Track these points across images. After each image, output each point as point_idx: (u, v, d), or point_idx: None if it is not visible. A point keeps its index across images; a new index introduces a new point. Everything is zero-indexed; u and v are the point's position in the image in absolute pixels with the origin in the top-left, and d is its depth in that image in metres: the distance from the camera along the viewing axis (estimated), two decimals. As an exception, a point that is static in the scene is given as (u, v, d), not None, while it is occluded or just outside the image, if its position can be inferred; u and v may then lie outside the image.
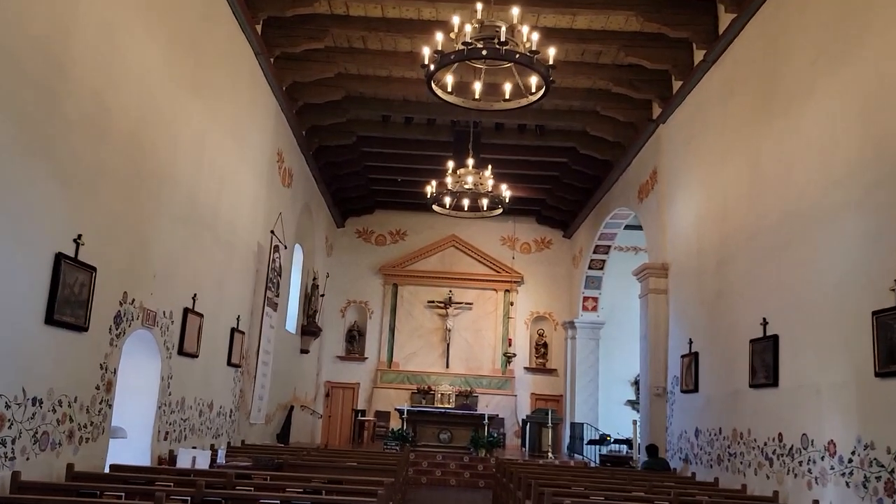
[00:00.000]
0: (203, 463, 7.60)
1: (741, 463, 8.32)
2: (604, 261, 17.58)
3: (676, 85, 11.03)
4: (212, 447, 9.14)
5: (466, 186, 9.61)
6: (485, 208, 10.65)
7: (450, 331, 19.08)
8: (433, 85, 6.09)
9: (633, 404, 18.25)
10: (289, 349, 14.50)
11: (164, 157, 7.34)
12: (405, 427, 14.60)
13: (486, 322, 19.33)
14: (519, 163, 15.48)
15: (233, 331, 10.12)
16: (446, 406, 17.18)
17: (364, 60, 11.52)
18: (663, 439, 11.06)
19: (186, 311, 8.19)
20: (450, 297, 19.20)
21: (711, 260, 9.67)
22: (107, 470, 6.35)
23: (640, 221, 13.14)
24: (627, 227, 16.94)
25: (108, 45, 6.00)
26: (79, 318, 5.77)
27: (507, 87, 6.63)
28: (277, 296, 12.61)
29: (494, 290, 19.52)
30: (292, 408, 14.39)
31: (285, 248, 12.96)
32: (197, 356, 8.62)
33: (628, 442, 16.17)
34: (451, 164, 9.93)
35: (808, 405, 6.91)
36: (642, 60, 10.69)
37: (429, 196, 10.11)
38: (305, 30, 10.47)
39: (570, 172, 15.95)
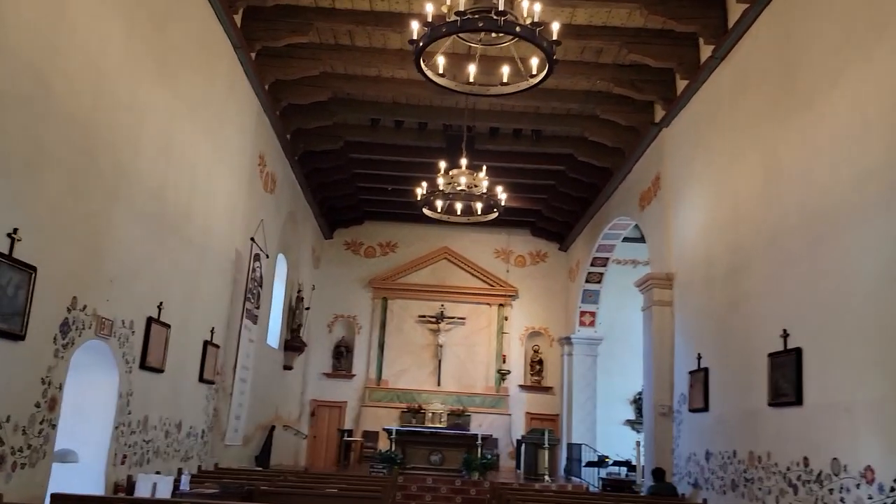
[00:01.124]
0: (165, 490, 6.82)
1: (759, 489, 7.58)
2: (602, 274, 16.89)
3: (681, 85, 10.44)
4: (179, 472, 8.33)
5: (459, 188, 8.93)
6: (479, 213, 9.96)
7: (441, 347, 18.30)
8: (422, 65, 5.41)
9: (633, 424, 17.51)
10: (270, 365, 13.69)
11: (124, 148, 6.62)
12: (394, 448, 13.78)
13: (479, 338, 18.57)
14: (514, 171, 14.84)
15: (206, 344, 9.35)
16: (437, 426, 16.36)
17: (351, 58, 10.88)
18: (669, 462, 10.30)
19: (150, 320, 7.43)
20: (441, 312, 18.45)
21: (722, 268, 9.00)
22: (46, 501, 5.55)
23: (643, 230, 12.50)
24: (626, 239, 16.32)
25: (52, 15, 5.31)
26: (13, 325, 5.01)
27: (505, 70, 5.96)
28: (258, 308, 11.85)
29: (488, 304, 18.79)
30: (273, 428, 13.55)
31: (267, 257, 12.22)
32: (162, 371, 7.84)
33: (628, 464, 15.44)
34: (442, 165, 9.26)
35: (838, 426, 6.20)
36: (646, 58, 10.09)
37: (419, 198, 9.41)
38: (288, 23, 9.83)
39: (567, 181, 15.32)
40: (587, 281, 17.00)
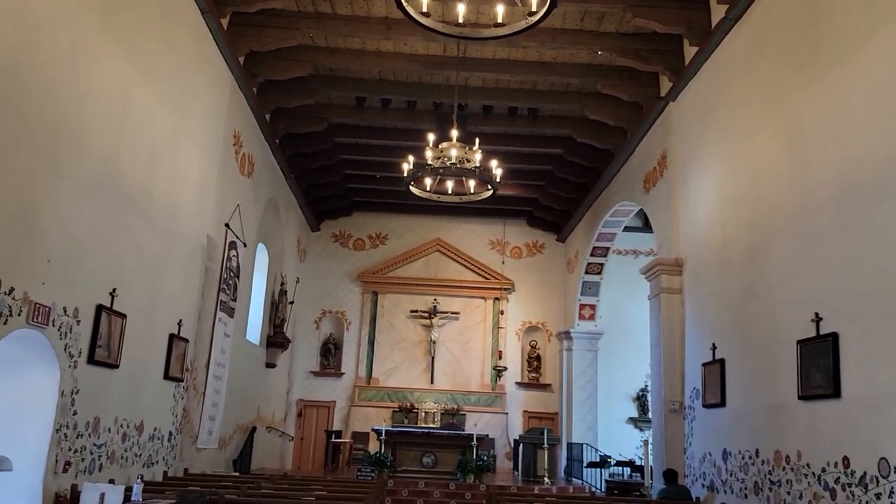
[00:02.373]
0: (114, 501, 5.96)
1: (788, 493, 6.76)
2: (602, 265, 16.07)
3: (690, 52, 9.63)
4: (141, 478, 7.46)
5: (450, 162, 8.07)
6: (472, 191, 9.09)
7: (434, 343, 17.45)
8: (404, 3, 4.56)
9: (636, 422, 16.71)
10: (251, 362, 12.82)
11: (63, 105, 5.75)
12: (383, 450, 12.92)
13: (473, 333, 17.72)
14: (510, 156, 13.96)
15: (172, 337, 8.48)
16: (431, 426, 15.53)
17: (332, 27, 10.01)
18: (681, 462, 9.49)
19: (100, 308, 6.55)
20: (434, 307, 17.59)
21: (739, 250, 8.19)
22: (-40, 517, 4.69)
23: (648, 215, 11.68)
24: (627, 228, 15.53)
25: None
26: None
27: (500, 10, 5.11)
28: (234, 300, 10.97)
29: (483, 298, 17.94)
30: (254, 429, 12.68)
31: (244, 245, 11.34)
32: (117, 366, 6.97)
33: (631, 464, 14.62)
34: (431, 138, 8.38)
35: (885, 421, 5.39)
36: (652, 23, 9.27)
37: (405, 174, 8.54)
38: (261, -15, 8.98)
39: (565, 166, 14.50)
40: (587, 272, 16.18)
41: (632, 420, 16.74)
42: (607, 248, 15.67)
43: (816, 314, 6.39)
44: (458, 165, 8.04)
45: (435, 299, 17.67)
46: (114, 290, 6.81)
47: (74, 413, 6.24)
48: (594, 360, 16.61)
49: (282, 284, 14.47)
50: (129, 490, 6.22)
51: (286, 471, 12.43)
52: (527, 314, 18.03)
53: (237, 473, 10.49)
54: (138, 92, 7.13)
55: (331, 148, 13.93)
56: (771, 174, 7.53)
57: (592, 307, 16.67)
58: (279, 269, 14.61)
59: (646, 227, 17.32)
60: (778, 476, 6.98)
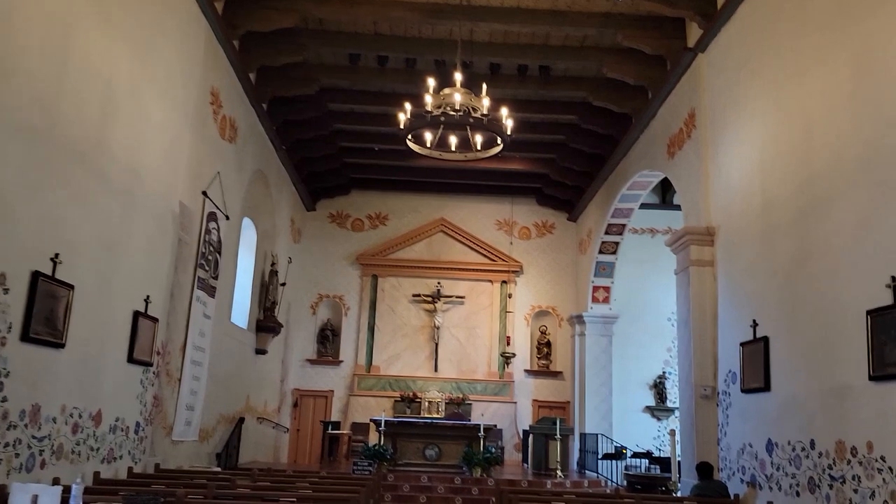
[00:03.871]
0: (49, 503, 4.93)
1: (856, 491, 5.69)
2: (617, 243, 14.98)
3: (724, -7, 8.51)
4: (83, 478, 6.46)
5: (454, 111, 6.96)
6: (478, 147, 7.99)
7: (438, 329, 16.42)
8: None
9: (654, 411, 15.66)
10: (237, 348, 11.80)
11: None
12: (383, 442, 11.91)
13: (480, 318, 16.67)
14: (519, 125, 12.77)
15: (137, 315, 7.44)
16: (434, 416, 14.51)
17: (320, -33, 8.92)
18: (714, 454, 8.43)
19: (37, 276, 5.51)
20: (438, 290, 16.56)
21: (787, 212, 7.09)
22: None
23: (673, 182, 10.56)
24: (643, 205, 14.41)
25: None
26: None
27: None
28: (216, 278, 9.95)
29: (490, 281, 16.88)
30: (242, 420, 11.67)
31: (227, 218, 10.30)
32: (62, 345, 5.93)
33: (649, 455, 13.60)
34: (431, 83, 7.28)
35: None
36: (681, -42, 8.14)
37: (402, 125, 7.44)
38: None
39: (579, 135, 13.38)
40: (601, 252, 15.09)
41: (648, 409, 15.69)
42: (623, 226, 14.58)
43: (893, 278, 5.30)
44: (463, 114, 6.94)
45: (439, 283, 16.64)
46: (56, 255, 5.76)
47: (3, 400, 5.21)
48: (608, 346, 15.55)
49: (272, 264, 13.43)
50: (68, 491, 5.19)
51: (269, 466, 11.41)
52: (536, 298, 16.96)
53: (218, 469, 9.48)
54: (84, 20, 6.05)
55: (324, 115, 12.85)
56: (828, 120, 6.42)
57: (606, 289, 15.59)
58: (270, 248, 13.57)
59: (663, 202, 16.26)
60: (841, 471, 5.91)
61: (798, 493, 6.57)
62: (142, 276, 7.59)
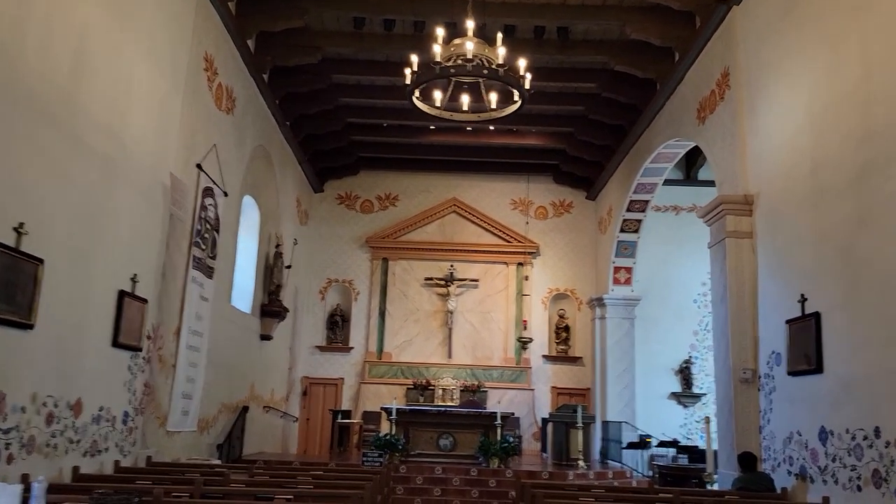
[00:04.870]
0: (8, 505, 4.31)
1: (934, 486, 4.95)
2: (640, 221, 14.19)
3: (765, -67, 7.68)
4: (76, 471, 5.85)
5: (466, 61, 6.18)
6: (493, 105, 7.22)
7: (452, 313, 15.73)
8: None
9: (680, 398, 14.90)
10: (240, 333, 11.17)
11: None
12: (395, 431, 11.28)
13: (495, 302, 15.97)
14: (535, 96, 11.97)
15: (123, 295, 6.80)
16: (448, 404, 13.87)
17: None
18: (756, 444, 7.68)
19: (-4, 247, 4.88)
20: (451, 274, 15.86)
21: (842, 172, 6.31)
22: None
23: (704, 149, 9.75)
24: (666, 181, 13.57)
25: None
26: None
27: None
28: (214, 258, 9.30)
29: (505, 263, 16.15)
30: (246, 409, 11.07)
31: (225, 195, 9.64)
32: (31, 326, 5.30)
33: (676, 444, 12.88)
34: (440, 32, 6.52)
35: None
36: None
37: (408, 80, 6.68)
38: None
39: (599, 105, 12.58)
40: (622, 230, 14.31)
41: (674, 395, 14.93)
42: (646, 202, 13.78)
43: (983, 238, 4.53)
44: (477, 63, 6.18)
45: (451, 265, 15.95)
46: (20, 224, 5.12)
47: (-42, 386, 4.59)
48: (631, 330, 14.80)
49: (277, 246, 12.78)
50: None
51: (276, 457, 10.84)
52: (554, 280, 16.22)
53: (218, 461, 8.88)
54: (49, -37, 5.38)
55: (328, 88, 12.13)
56: (893, 65, 5.63)
57: (628, 270, 14.81)
58: (274, 229, 12.92)
59: (687, 178, 15.43)
60: (914, 463, 5.17)
61: (859, 488, 5.83)
62: (128, 253, 6.95)
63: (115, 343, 6.71)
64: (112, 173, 6.55)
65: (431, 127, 14.16)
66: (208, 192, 9.05)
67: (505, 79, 6.38)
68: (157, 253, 7.67)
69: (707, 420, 8.50)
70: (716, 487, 8.17)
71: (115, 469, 6.66)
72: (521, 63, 6.56)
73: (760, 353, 7.79)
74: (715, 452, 8.37)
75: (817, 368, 6.52)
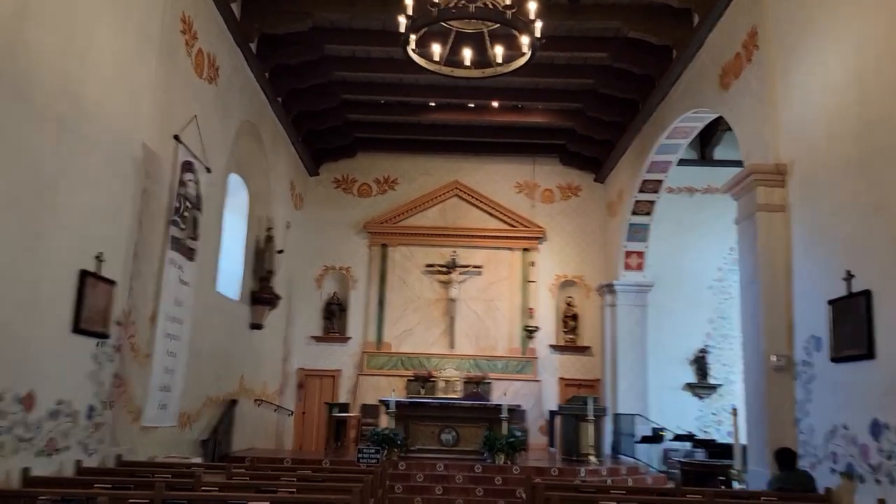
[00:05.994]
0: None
1: None
2: (653, 203, 13.40)
3: None
4: (26, 473, 5.12)
5: (466, 1, 5.40)
6: (499, 59, 6.43)
7: (454, 301, 14.99)
8: None
9: (695, 389, 14.17)
10: (228, 321, 10.44)
11: None
12: (394, 425, 10.56)
13: (499, 289, 15.21)
14: (542, 69, 11.23)
15: (85, 276, 6.06)
16: (451, 396, 13.15)
17: None
18: (791, 437, 6.93)
19: (-83, 213, 4.13)
20: (453, 260, 15.10)
21: (891, 133, 5.53)
22: None
23: (728, 118, 8.97)
24: (681, 162, 12.78)
25: None
26: None
27: None
28: (195, 238, 8.56)
29: (509, 248, 15.39)
30: (234, 403, 10.35)
31: (208, 171, 8.89)
32: (-36, 307, 4.56)
33: (692, 438, 12.18)
34: (440, -28, 5.73)
35: None
36: None
37: (403, 28, 5.90)
38: None
39: (610, 77, 11.80)
40: (634, 212, 13.53)
41: (689, 386, 14.20)
42: (660, 182, 13.00)
43: None
44: (481, 5, 5.40)
45: (454, 252, 15.19)
46: (-51, 188, 4.37)
47: None
48: (643, 318, 14.05)
49: (268, 230, 12.03)
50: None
51: (267, 453, 10.14)
52: (561, 267, 15.45)
53: (199, 459, 8.16)
54: None
55: (320, 59, 11.37)
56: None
57: (640, 255, 14.05)
58: (265, 211, 12.16)
59: (702, 158, 14.64)
60: None
61: (922, 489, 5.09)
62: (90, 229, 6.20)
63: (77, 329, 5.98)
64: (70, 139, 5.79)
65: (432, 104, 13.42)
66: (188, 166, 8.29)
67: (513, 22, 5.60)
68: (128, 230, 6.93)
69: (734, 412, 7.77)
70: (744, 487, 7.44)
71: (77, 470, 5.94)
72: (532, 6, 5.78)
73: (796, 339, 7.03)
74: (743, 447, 7.64)
75: (868, 354, 5.77)
